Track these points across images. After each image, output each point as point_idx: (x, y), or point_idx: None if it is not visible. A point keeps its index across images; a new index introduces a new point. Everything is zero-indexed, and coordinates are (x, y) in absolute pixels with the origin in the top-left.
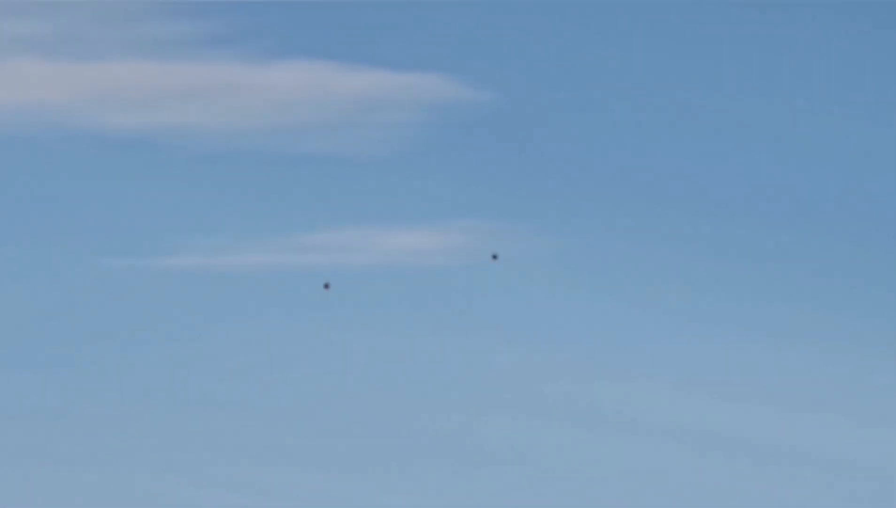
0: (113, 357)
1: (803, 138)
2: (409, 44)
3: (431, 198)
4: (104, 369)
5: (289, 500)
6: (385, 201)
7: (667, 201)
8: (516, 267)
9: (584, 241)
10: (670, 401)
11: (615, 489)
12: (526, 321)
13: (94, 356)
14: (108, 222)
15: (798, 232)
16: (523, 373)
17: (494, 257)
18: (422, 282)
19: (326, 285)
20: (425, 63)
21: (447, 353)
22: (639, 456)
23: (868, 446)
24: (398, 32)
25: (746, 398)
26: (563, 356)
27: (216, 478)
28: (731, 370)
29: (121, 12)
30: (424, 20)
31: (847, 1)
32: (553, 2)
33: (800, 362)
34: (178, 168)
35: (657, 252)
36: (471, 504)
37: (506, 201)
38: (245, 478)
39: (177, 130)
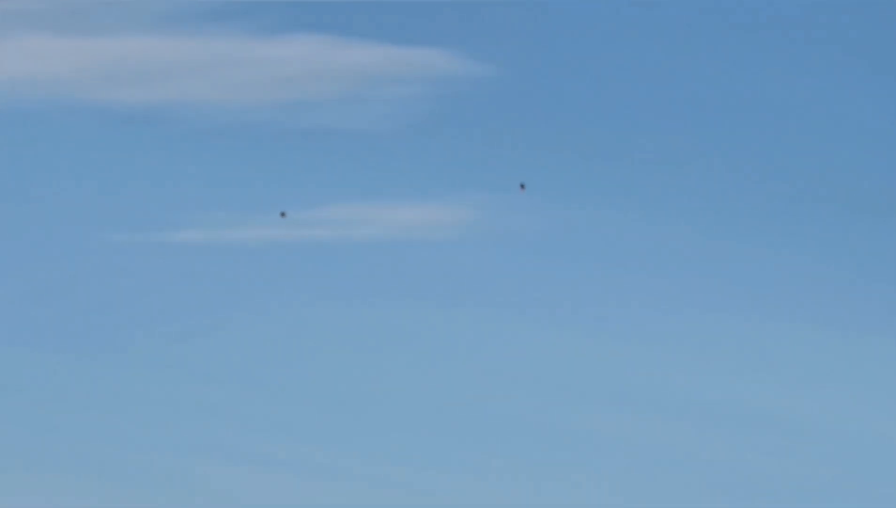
0: (117, 332)
1: (807, 114)
2: (413, 18)
3: (438, 172)
4: (108, 344)
5: (297, 474)
6: (390, 175)
7: (675, 170)
8: (523, 240)
9: (593, 214)
10: (706, 378)
11: (637, 466)
12: (534, 294)
13: (97, 331)
14: (113, 197)
15: (803, 208)
16: (536, 347)
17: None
18: (429, 256)
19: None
20: (429, 38)
21: (455, 327)
22: (660, 434)
23: (879, 420)
24: (401, 7)
25: (758, 372)
26: (576, 330)
27: (223, 452)
28: (746, 346)
29: None
30: None
31: None
32: None
33: (809, 336)
34: (182, 143)
35: (668, 224)
36: (479, 476)
37: (513, 174)
38: (252, 452)
39: (181, 104)
